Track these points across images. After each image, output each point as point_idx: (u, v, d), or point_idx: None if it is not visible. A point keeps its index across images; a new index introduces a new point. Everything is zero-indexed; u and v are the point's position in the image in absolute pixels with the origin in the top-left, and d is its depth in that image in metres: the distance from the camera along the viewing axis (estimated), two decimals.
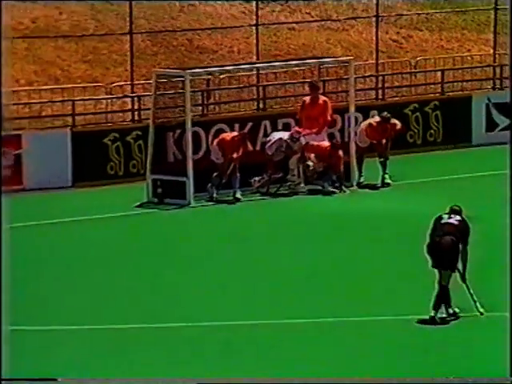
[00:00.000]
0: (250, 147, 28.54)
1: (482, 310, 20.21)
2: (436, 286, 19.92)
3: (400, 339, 19.73)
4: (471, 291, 20.19)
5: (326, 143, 28.71)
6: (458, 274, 20.08)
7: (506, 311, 20.57)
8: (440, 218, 20.08)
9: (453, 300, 20.14)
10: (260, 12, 32.62)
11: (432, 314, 19.92)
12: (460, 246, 19.96)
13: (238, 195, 28.13)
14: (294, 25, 34.60)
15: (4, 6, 29.14)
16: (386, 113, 29.46)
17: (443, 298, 19.98)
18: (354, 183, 29.10)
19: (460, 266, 20.07)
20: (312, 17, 35.42)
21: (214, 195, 28.03)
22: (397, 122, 29.58)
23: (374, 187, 29.07)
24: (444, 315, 20.05)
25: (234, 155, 27.95)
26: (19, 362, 18.59)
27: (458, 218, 20.07)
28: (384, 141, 29.15)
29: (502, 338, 19.69)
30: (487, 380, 16.69)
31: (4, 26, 24.42)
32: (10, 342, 19.74)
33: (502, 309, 20.54)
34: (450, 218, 20.05)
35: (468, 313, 20.17)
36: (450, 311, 20.12)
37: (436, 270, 19.94)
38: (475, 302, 20.17)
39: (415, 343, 19.64)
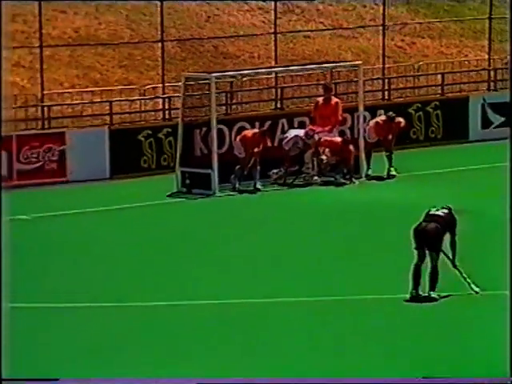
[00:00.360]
0: (269, 143, 28.54)
1: (476, 289, 20.09)
2: (411, 269, 19.83)
3: (397, 316, 19.65)
4: (463, 274, 20.07)
5: (338, 139, 28.71)
6: (449, 262, 19.97)
7: (501, 290, 20.62)
8: (429, 211, 20.05)
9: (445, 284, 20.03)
10: (278, 21, 32.62)
11: (415, 293, 19.83)
12: (445, 234, 19.85)
13: (258, 186, 28.13)
14: (309, 33, 34.60)
15: (42, 12, 29.25)
16: (391, 112, 29.54)
17: (434, 278, 19.81)
18: (363, 175, 29.11)
19: (450, 253, 19.95)
20: (325, 25, 35.38)
21: (237, 186, 28.06)
22: (401, 120, 29.62)
23: (380, 178, 29.07)
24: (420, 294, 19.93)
25: (255, 150, 27.99)
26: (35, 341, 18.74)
27: (445, 210, 20.02)
28: (390, 137, 29.16)
29: (499, 315, 19.68)
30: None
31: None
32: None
33: (497, 287, 20.51)
34: (437, 210, 20.01)
35: (464, 291, 20.04)
36: (430, 294, 19.94)
37: (416, 254, 19.81)
38: (469, 283, 20.06)
39: (413, 320, 19.60)
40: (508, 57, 34.44)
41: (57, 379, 15.68)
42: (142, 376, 17.46)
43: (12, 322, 19.70)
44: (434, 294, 19.85)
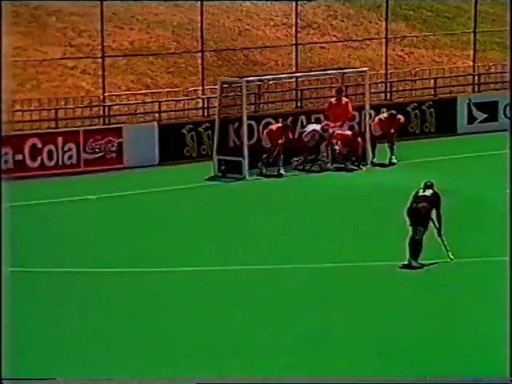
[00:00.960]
0: (290, 135, 28.50)
1: (452, 256, 20.16)
2: (407, 241, 19.87)
3: (394, 278, 19.82)
4: (445, 243, 20.15)
5: (348, 132, 28.75)
6: (435, 231, 20.01)
7: (478, 257, 20.78)
8: (417, 192, 20.12)
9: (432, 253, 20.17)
10: (298, 35, 32.51)
11: (409, 261, 19.91)
12: (433, 211, 19.90)
13: (282, 171, 28.11)
14: (324, 44, 34.51)
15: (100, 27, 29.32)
16: (393, 111, 29.62)
17: (416, 249, 19.88)
18: (369, 162, 29.01)
19: (436, 225, 19.98)
20: (337, 38, 35.28)
21: (264, 171, 28.05)
22: (401, 116, 29.66)
23: (383, 165, 28.96)
24: (414, 264, 19.96)
25: (279, 141, 28.03)
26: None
27: (431, 191, 20.09)
28: (391, 131, 29.14)
29: (474, 278, 19.88)
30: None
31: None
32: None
33: (474, 255, 20.71)
34: (424, 191, 20.08)
35: (442, 259, 20.14)
36: (416, 263, 20.00)
37: (411, 229, 19.86)
38: (447, 251, 20.15)
39: (408, 280, 19.73)
40: (490, 64, 34.68)
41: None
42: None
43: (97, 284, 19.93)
44: (415, 263, 19.85)
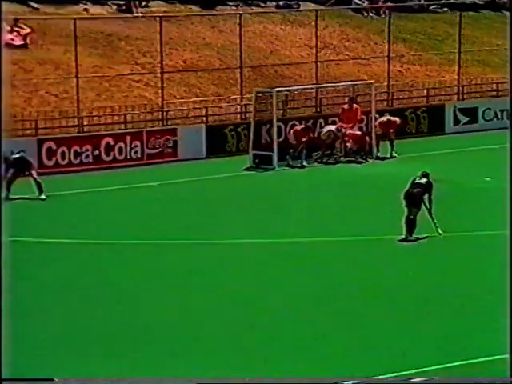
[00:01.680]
0: (311, 134, 28.54)
1: (440, 231, 20.10)
2: (403, 219, 19.93)
3: (393, 249, 19.78)
4: (435, 221, 20.09)
5: (358, 132, 28.77)
6: (426, 212, 19.98)
7: (462, 232, 20.72)
8: (414, 179, 20.14)
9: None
10: (318, 54, 32.58)
11: (406, 236, 19.93)
12: (425, 196, 19.92)
13: (305, 163, 28.07)
14: (338, 61, 34.53)
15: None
16: (394, 116, 29.60)
17: (411, 226, 19.92)
18: (374, 156, 28.91)
19: (427, 206, 19.96)
20: (349, 56, 35.23)
21: (290, 163, 28.03)
22: (397, 119, 29.54)
23: (385, 159, 28.83)
24: (410, 238, 19.94)
25: (302, 139, 28.10)
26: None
27: (425, 179, 20.10)
28: (392, 130, 29.24)
29: (459, 248, 19.89)
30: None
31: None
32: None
33: (458, 230, 20.60)
34: (420, 179, 20.10)
35: (432, 234, 20.08)
36: (411, 237, 19.99)
37: (406, 209, 19.88)
38: (436, 227, 20.08)
39: (403, 251, 19.72)
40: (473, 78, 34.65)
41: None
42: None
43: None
44: (411, 238, 19.89)
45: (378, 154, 29.07)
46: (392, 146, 29.09)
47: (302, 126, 28.69)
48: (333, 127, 28.77)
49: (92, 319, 16.03)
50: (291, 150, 28.14)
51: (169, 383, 11.80)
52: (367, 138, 28.79)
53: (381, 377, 13.44)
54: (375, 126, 29.23)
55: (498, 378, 12.33)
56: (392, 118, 29.41)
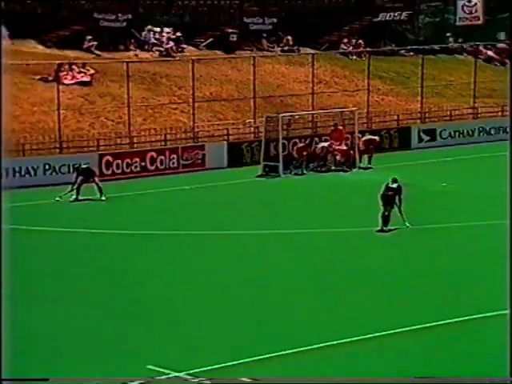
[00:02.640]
0: (309, 150, 28.28)
1: (408, 224, 19.91)
2: (380, 215, 19.80)
3: (371, 238, 19.62)
4: (404, 217, 19.91)
5: (345, 148, 28.57)
6: (397, 209, 19.84)
7: (426, 225, 20.57)
8: (388, 184, 19.98)
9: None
10: (314, 87, 32.31)
11: (382, 228, 19.76)
12: (396, 197, 19.77)
13: (304, 171, 27.72)
14: (330, 93, 34.28)
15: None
16: (372, 135, 29.47)
17: (385, 220, 19.79)
18: (357, 167, 28.45)
19: (398, 205, 19.81)
20: (338, 89, 34.87)
21: (293, 172, 27.65)
22: (377, 138, 29.44)
23: (366, 169, 28.40)
24: (385, 229, 19.83)
25: (303, 153, 27.91)
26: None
27: (396, 184, 19.95)
28: (372, 147, 28.98)
29: (426, 239, 19.76)
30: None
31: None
32: None
33: (424, 223, 20.37)
34: (392, 184, 19.93)
35: (402, 226, 19.89)
36: (386, 228, 19.86)
37: (382, 207, 19.76)
38: (405, 221, 19.90)
39: (380, 240, 19.59)
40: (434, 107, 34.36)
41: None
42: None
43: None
44: (385, 229, 19.74)
45: (360, 165, 28.76)
46: (370, 159, 28.78)
47: (302, 144, 28.45)
48: (325, 144, 28.52)
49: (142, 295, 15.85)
50: (294, 162, 27.88)
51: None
52: (352, 152, 28.54)
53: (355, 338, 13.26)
54: (359, 143, 28.86)
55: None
56: (372, 137, 29.16)
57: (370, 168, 28.55)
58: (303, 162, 27.86)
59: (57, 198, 23.30)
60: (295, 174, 27.71)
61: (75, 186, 23.39)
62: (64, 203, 23.23)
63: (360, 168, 28.61)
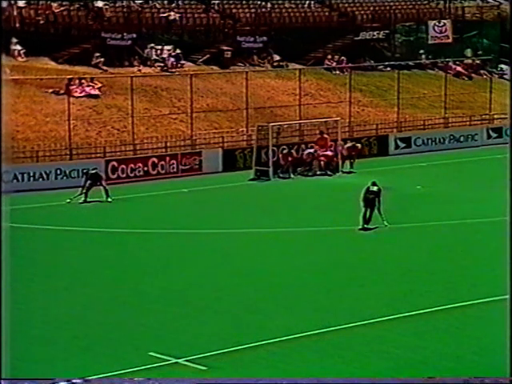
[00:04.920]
0: (296, 155, 28.22)
1: (386, 223, 19.78)
2: (361, 215, 19.72)
3: (354, 235, 19.59)
4: (382, 216, 19.79)
5: (330, 153, 28.37)
6: (376, 210, 19.78)
7: (405, 223, 20.54)
8: (368, 187, 19.89)
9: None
10: (301, 99, 32.27)
11: (363, 226, 19.68)
12: (376, 199, 19.70)
13: (293, 176, 27.54)
14: (315, 105, 34.10)
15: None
16: (354, 142, 29.38)
17: (367, 220, 19.72)
18: (340, 171, 28.29)
19: (377, 206, 19.73)
20: (323, 101, 34.51)
21: (281, 176, 27.47)
22: (359, 145, 29.31)
23: (348, 173, 28.24)
24: (366, 227, 19.77)
25: (289, 159, 27.75)
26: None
27: (376, 187, 19.86)
28: (353, 153, 28.87)
29: (405, 237, 19.67)
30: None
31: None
32: None
33: (402, 222, 20.31)
34: (372, 187, 19.84)
35: (381, 225, 19.76)
36: (368, 226, 19.79)
37: (363, 208, 19.69)
38: (383, 220, 19.79)
39: (361, 236, 19.50)
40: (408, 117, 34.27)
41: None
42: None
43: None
44: (367, 227, 19.68)
45: (343, 170, 28.61)
46: (352, 164, 28.65)
47: (286, 150, 28.13)
48: (311, 150, 28.41)
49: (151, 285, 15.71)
50: (282, 167, 27.66)
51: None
52: (335, 158, 28.39)
53: (345, 326, 13.14)
54: (343, 150, 28.67)
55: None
56: (356, 144, 28.99)
57: (352, 172, 28.38)
58: (289, 166, 27.66)
59: (67, 200, 23.16)
60: (283, 178, 27.51)
61: (84, 190, 23.25)
62: (74, 205, 23.06)
63: (343, 172, 28.44)
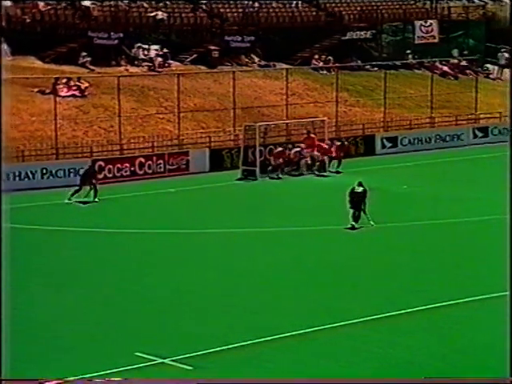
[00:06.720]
0: (285, 155, 27.91)
1: (372, 223, 19.86)
2: (350, 215, 19.78)
3: (342, 234, 19.58)
4: (368, 216, 19.85)
5: (316, 153, 28.44)
6: (362, 211, 19.86)
7: (390, 223, 20.62)
8: (353, 188, 19.90)
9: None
10: (288, 99, 32.21)
11: (351, 226, 19.72)
12: (362, 200, 19.75)
13: (280, 175, 27.44)
14: (302, 104, 34.12)
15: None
16: (341, 141, 29.37)
17: (356, 220, 19.73)
18: (327, 171, 28.11)
19: (363, 207, 19.80)
20: (310, 101, 34.46)
21: (269, 175, 27.38)
22: (347, 143, 29.27)
23: (337, 172, 28.06)
24: (355, 225, 19.78)
25: (280, 159, 27.65)
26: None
27: (362, 188, 19.87)
28: (342, 154, 28.65)
29: (390, 236, 19.72)
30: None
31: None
32: None
33: (387, 222, 20.31)
34: (358, 188, 19.83)
35: (367, 225, 19.82)
36: (356, 225, 19.79)
37: (351, 210, 19.75)
38: (369, 220, 19.85)
39: (350, 235, 19.57)
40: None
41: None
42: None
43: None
44: (355, 226, 19.70)
45: (330, 169, 28.58)
46: (339, 163, 28.63)
47: (279, 149, 28.02)
48: (298, 149, 28.30)
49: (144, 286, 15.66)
50: (271, 167, 27.60)
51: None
52: (323, 158, 28.30)
53: (330, 326, 13.15)
54: (331, 150, 28.51)
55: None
56: (345, 143, 28.95)
57: (340, 172, 28.36)
58: (280, 166, 27.57)
59: (65, 201, 22.91)
60: (271, 178, 27.45)
61: (90, 187, 23.04)
62: (61, 205, 22.96)
63: (330, 172, 28.42)
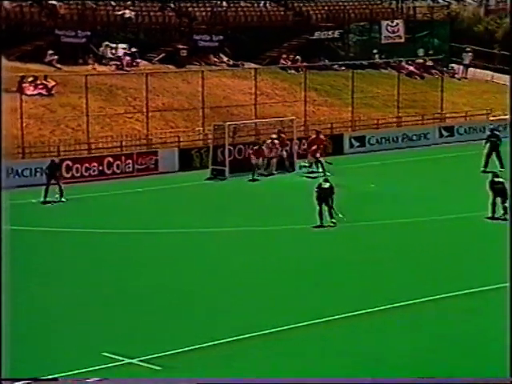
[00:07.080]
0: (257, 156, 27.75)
1: (341, 215, 19.94)
2: (317, 214, 19.67)
3: (309, 233, 19.62)
4: (337, 212, 19.94)
5: (284, 153, 28.07)
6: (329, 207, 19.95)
7: (361, 222, 20.69)
8: (320, 184, 20.02)
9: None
10: (257, 98, 32.16)
11: (319, 224, 19.75)
12: (329, 195, 19.83)
13: (256, 176, 26.90)
14: (271, 104, 34.07)
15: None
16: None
17: (322, 217, 19.74)
18: (297, 170, 27.95)
19: (330, 203, 19.88)
20: (278, 100, 34.43)
21: (259, 173, 26.87)
22: (323, 138, 29.03)
23: (310, 173, 27.68)
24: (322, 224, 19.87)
25: (260, 157, 27.26)
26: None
27: (328, 184, 20.00)
28: (318, 154, 28.13)
29: (361, 233, 19.81)
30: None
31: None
32: None
33: (356, 221, 20.41)
34: (325, 184, 19.96)
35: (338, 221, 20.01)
36: (326, 223, 19.89)
37: (318, 207, 19.75)
38: (337, 213, 19.94)
39: (320, 233, 19.56)
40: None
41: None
42: None
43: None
44: (322, 224, 19.76)
45: (301, 167, 28.27)
46: (321, 164, 27.86)
47: (250, 150, 27.57)
48: (269, 142, 27.87)
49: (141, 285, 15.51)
50: (261, 164, 27.03)
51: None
52: (290, 158, 28.28)
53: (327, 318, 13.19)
54: (311, 150, 28.14)
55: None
56: (322, 144, 28.37)
57: (312, 171, 28.03)
58: (273, 160, 27.11)
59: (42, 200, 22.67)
60: (261, 175, 26.92)
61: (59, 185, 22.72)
62: (27, 204, 22.71)
63: (300, 169, 28.15)
